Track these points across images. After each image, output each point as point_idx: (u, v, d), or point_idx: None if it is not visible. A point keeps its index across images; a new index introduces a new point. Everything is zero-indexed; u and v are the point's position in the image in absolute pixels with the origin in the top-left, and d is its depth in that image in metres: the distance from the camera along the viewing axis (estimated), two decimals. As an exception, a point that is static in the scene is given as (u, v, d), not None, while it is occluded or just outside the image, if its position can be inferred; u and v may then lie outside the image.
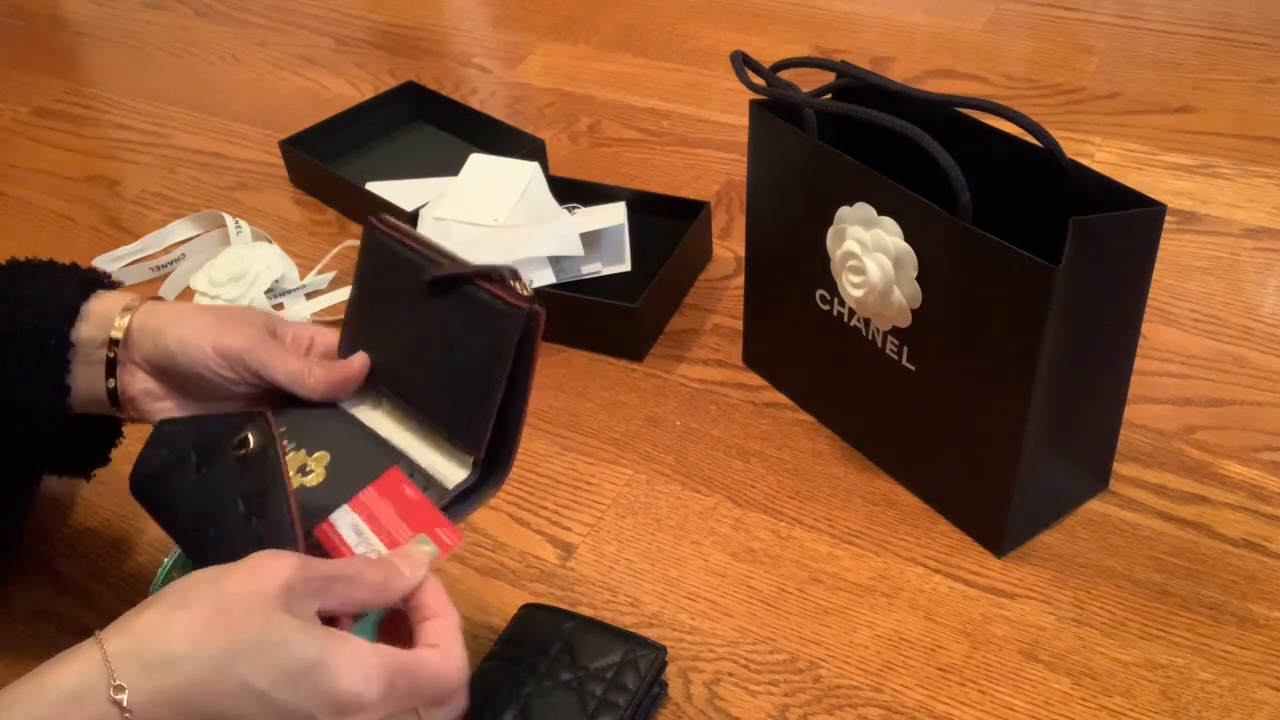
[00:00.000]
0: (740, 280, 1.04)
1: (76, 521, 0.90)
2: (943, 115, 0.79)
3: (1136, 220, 0.71)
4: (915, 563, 0.82)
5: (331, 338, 0.72)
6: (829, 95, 0.83)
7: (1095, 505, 0.84)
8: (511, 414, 0.61)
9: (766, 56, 0.86)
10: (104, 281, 0.73)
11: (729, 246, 1.13)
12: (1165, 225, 0.72)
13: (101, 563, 0.86)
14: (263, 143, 1.34)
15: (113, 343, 0.69)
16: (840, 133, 0.84)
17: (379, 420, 0.67)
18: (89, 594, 0.84)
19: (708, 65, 1.43)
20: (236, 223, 1.16)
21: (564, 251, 1.02)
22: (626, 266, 1.07)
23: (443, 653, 0.58)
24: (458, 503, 0.63)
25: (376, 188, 1.17)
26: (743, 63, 0.83)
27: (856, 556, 0.82)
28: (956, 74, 1.37)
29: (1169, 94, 1.30)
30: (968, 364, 0.76)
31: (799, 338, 0.91)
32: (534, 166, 1.11)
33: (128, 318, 0.69)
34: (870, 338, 0.83)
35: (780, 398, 0.95)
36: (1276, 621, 0.76)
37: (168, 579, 0.70)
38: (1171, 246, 1.08)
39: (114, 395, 0.70)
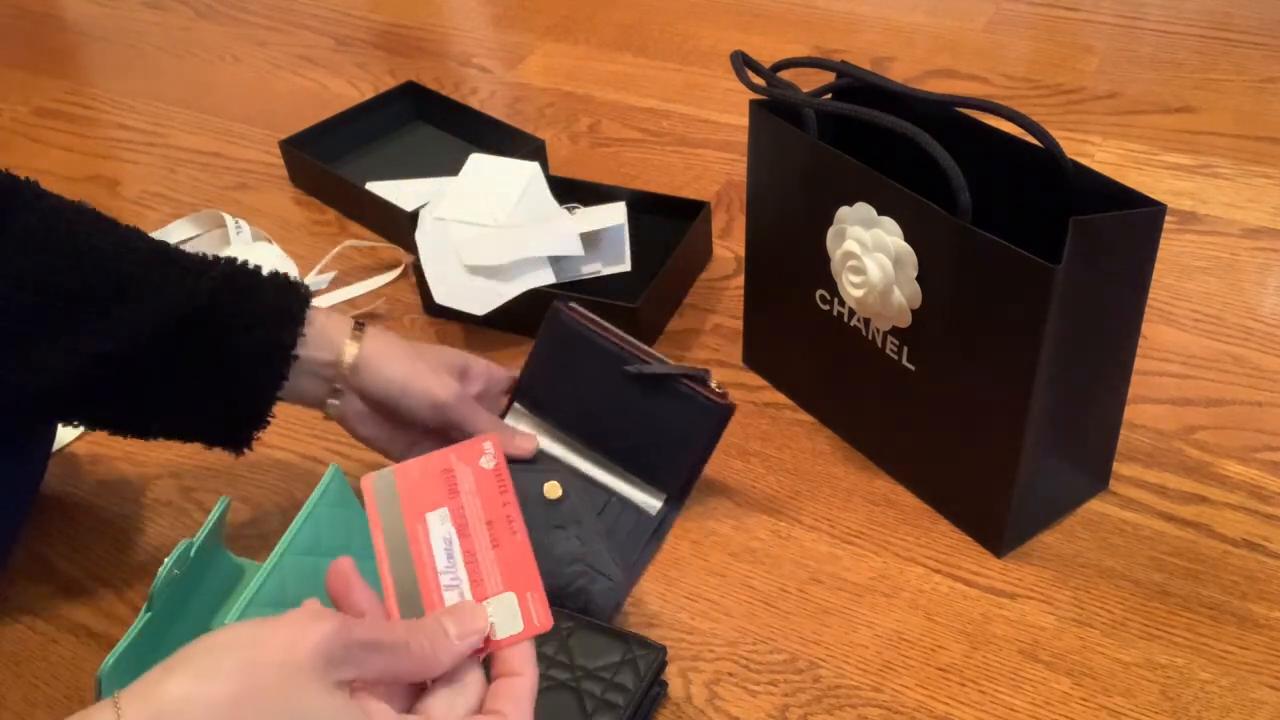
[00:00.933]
0: (740, 280, 1.04)
1: (76, 521, 0.90)
2: (943, 115, 0.79)
3: (1136, 220, 0.71)
4: (915, 563, 0.82)
5: (502, 376, 0.86)
6: (829, 95, 0.83)
7: (1095, 505, 0.84)
8: (697, 468, 0.85)
9: (766, 56, 0.86)
10: (308, 295, 0.79)
11: (729, 246, 1.13)
12: (1165, 225, 0.72)
13: (102, 563, 0.86)
14: (263, 143, 1.34)
15: (338, 370, 0.78)
16: (840, 133, 0.84)
17: (582, 464, 0.85)
18: (89, 594, 0.84)
19: (708, 65, 1.43)
20: (236, 223, 1.16)
21: (564, 251, 1.02)
22: (626, 266, 1.07)
23: None
24: (658, 531, 0.84)
25: (376, 188, 1.17)
26: (743, 63, 0.83)
27: (856, 556, 0.82)
28: (956, 74, 1.37)
29: (1169, 94, 1.30)
30: (968, 364, 0.76)
31: (799, 338, 0.91)
32: (534, 166, 1.11)
33: (355, 348, 0.78)
34: (870, 338, 0.83)
35: (780, 398, 0.95)
36: (1276, 621, 0.76)
37: (169, 579, 0.70)
38: (1171, 246, 1.07)
39: (330, 410, 0.80)
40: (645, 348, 0.83)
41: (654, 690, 0.72)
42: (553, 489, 0.80)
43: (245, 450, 0.80)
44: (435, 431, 0.81)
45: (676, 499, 0.85)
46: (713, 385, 0.81)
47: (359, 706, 0.49)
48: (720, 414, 0.82)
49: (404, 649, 0.51)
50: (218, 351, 0.75)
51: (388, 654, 0.51)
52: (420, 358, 0.80)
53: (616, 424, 0.84)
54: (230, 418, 0.78)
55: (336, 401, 0.79)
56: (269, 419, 0.79)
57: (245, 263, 0.78)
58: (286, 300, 0.77)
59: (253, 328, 0.75)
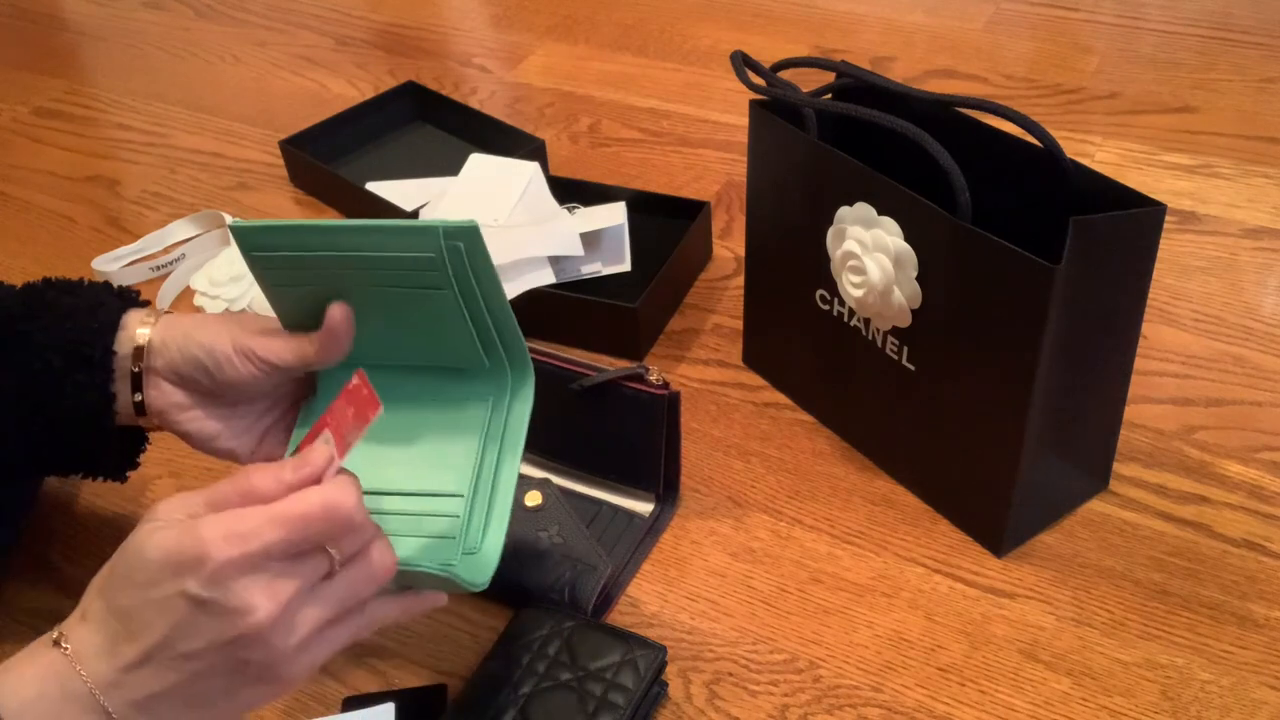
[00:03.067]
0: (740, 280, 1.04)
1: (76, 521, 0.90)
2: (943, 115, 0.79)
3: (1136, 220, 0.71)
4: (915, 563, 0.82)
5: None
6: (829, 95, 0.83)
7: (1095, 505, 0.84)
8: (671, 462, 0.84)
9: (766, 56, 0.86)
10: (136, 299, 0.75)
11: (729, 246, 1.13)
12: (1165, 225, 0.72)
13: (101, 563, 0.86)
14: (263, 143, 1.34)
15: (136, 357, 0.70)
16: (840, 133, 0.84)
17: (573, 484, 0.87)
18: (89, 594, 0.84)
19: (708, 65, 1.43)
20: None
21: (564, 251, 1.02)
22: (626, 266, 1.07)
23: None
24: (653, 529, 0.84)
25: (376, 188, 1.17)
26: (743, 63, 0.83)
27: (856, 556, 0.82)
28: (956, 74, 1.37)
29: (1169, 94, 1.30)
30: (968, 364, 0.76)
31: (799, 338, 0.91)
32: (534, 166, 1.11)
33: (147, 330, 0.71)
34: (870, 338, 0.83)
35: (780, 398, 0.95)
36: (1276, 621, 0.76)
37: None
38: (1171, 246, 1.08)
39: (140, 408, 0.71)
40: (584, 362, 0.84)
41: (654, 690, 0.72)
42: (533, 497, 0.82)
43: (125, 477, 0.78)
44: (275, 406, 0.74)
45: (665, 498, 0.85)
46: (652, 379, 0.81)
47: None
48: (663, 404, 0.81)
49: (242, 493, 0.56)
50: (27, 359, 0.71)
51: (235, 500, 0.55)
52: (223, 319, 0.71)
53: (586, 441, 0.85)
54: (80, 441, 0.73)
55: (140, 397, 0.71)
56: (141, 436, 0.75)
57: (65, 279, 0.75)
58: (99, 299, 0.72)
59: (60, 324, 0.71)
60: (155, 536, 0.53)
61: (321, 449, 0.57)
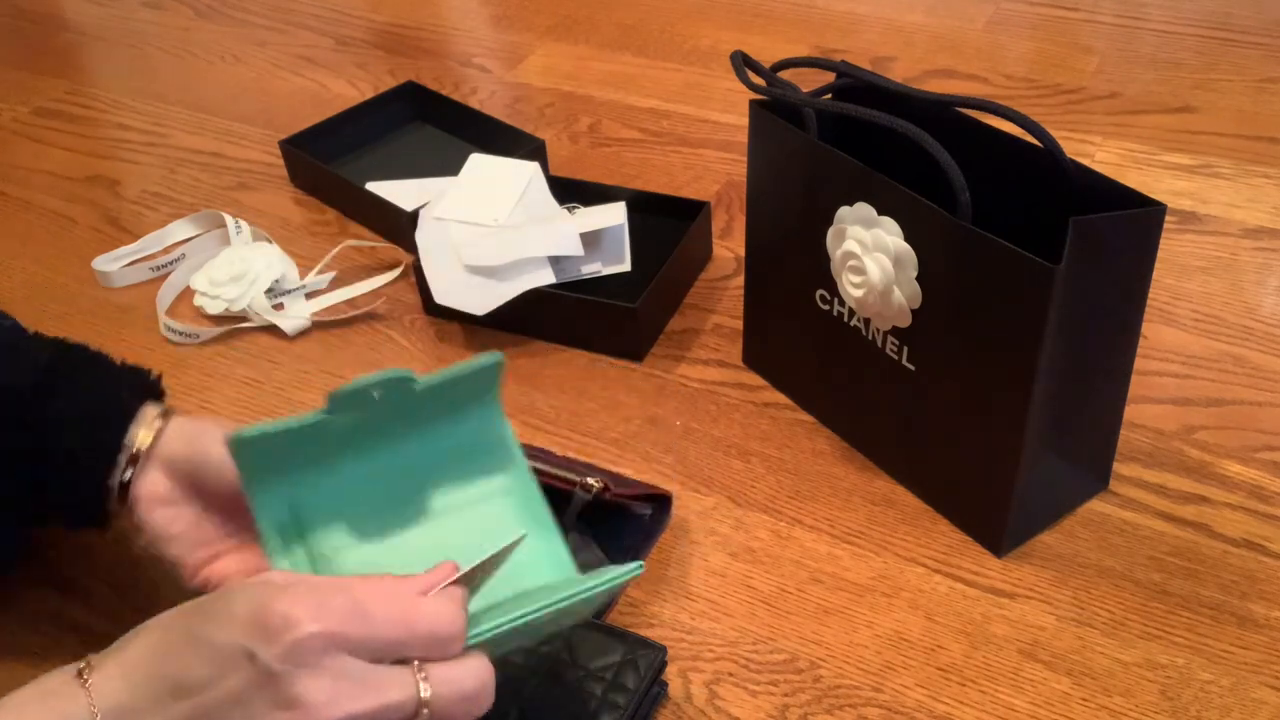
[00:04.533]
0: (740, 280, 1.04)
1: (76, 521, 0.90)
2: (943, 115, 0.79)
3: (1136, 220, 0.71)
4: (915, 563, 0.82)
5: None
6: (829, 95, 0.83)
7: (1095, 505, 0.84)
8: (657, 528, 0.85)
9: (766, 56, 0.86)
10: (154, 387, 0.75)
11: (729, 246, 1.13)
12: (1165, 225, 0.72)
13: (102, 563, 0.86)
14: (263, 143, 1.34)
15: (132, 460, 0.70)
16: (840, 133, 0.84)
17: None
18: (89, 594, 0.84)
19: (708, 65, 1.43)
20: (236, 223, 1.16)
21: (564, 251, 1.02)
22: (626, 266, 1.07)
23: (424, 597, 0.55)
24: (652, 529, 0.85)
25: (376, 188, 1.17)
26: (743, 63, 0.83)
27: (856, 556, 0.82)
28: (956, 74, 1.37)
29: (1169, 94, 1.30)
30: (968, 364, 0.76)
31: (799, 338, 0.91)
32: (534, 166, 1.11)
33: (151, 435, 0.70)
34: (870, 338, 0.83)
35: (780, 398, 0.95)
36: (1276, 621, 0.76)
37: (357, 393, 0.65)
38: (1171, 246, 1.08)
39: (124, 489, 0.71)
40: (575, 462, 0.84)
41: (654, 690, 0.72)
42: None
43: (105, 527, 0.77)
44: (241, 530, 0.71)
45: (662, 504, 0.85)
46: (582, 491, 0.81)
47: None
48: (583, 502, 0.81)
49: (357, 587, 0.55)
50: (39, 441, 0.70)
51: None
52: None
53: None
54: (83, 513, 0.74)
55: (126, 477, 0.71)
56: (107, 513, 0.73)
57: (84, 347, 0.75)
58: (119, 387, 0.72)
59: (79, 422, 0.70)
60: (251, 589, 0.52)
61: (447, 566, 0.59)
